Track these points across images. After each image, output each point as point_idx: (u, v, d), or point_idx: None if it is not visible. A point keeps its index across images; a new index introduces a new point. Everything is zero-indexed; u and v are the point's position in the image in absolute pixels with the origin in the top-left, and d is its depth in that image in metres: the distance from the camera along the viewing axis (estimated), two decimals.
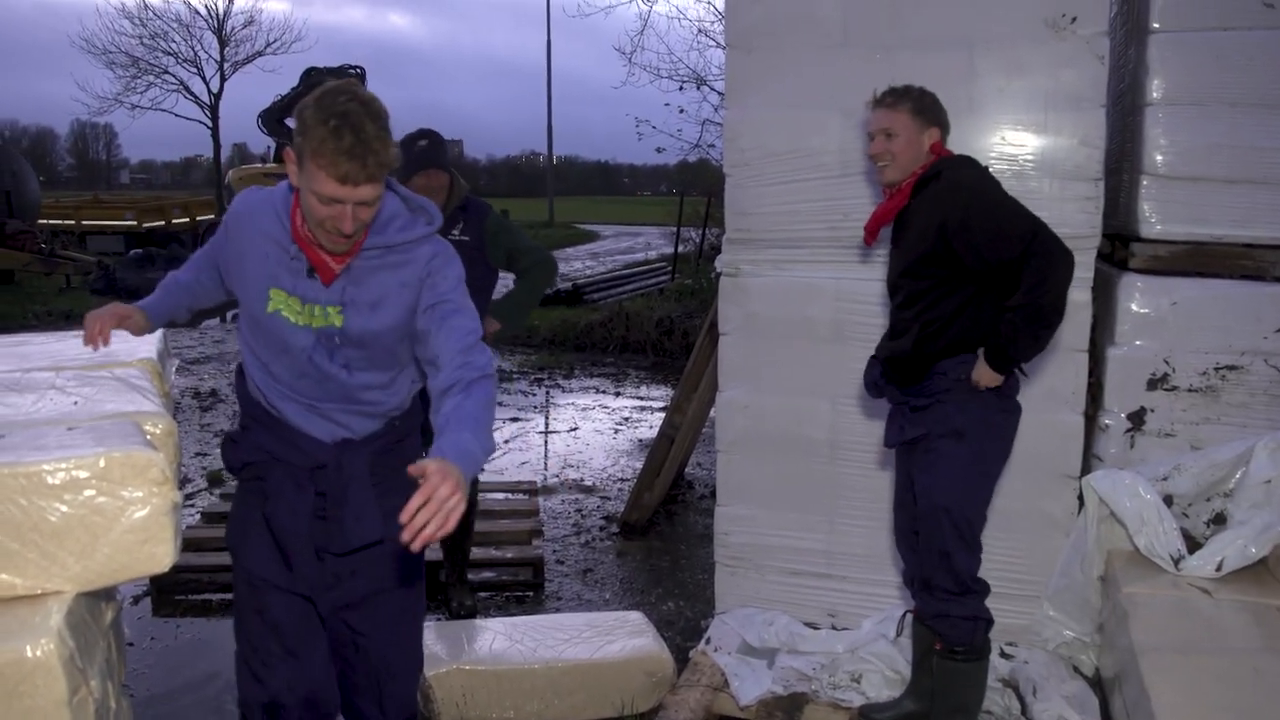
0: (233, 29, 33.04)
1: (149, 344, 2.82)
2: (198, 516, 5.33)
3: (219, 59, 33.08)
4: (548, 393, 9.23)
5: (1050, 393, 3.41)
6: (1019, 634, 3.52)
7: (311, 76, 15.46)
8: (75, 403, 2.32)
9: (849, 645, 3.49)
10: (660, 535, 5.32)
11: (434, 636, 3.39)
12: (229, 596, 3.55)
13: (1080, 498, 3.44)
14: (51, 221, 19.29)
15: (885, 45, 3.48)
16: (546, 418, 8.24)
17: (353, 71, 13.85)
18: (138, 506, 1.85)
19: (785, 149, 3.63)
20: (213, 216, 21.30)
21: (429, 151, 3.91)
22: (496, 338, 3.92)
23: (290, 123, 2.17)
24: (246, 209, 2.17)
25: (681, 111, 13.70)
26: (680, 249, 16.27)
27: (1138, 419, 3.55)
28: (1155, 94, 3.52)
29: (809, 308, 3.68)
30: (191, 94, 33.17)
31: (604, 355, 11.09)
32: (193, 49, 32.77)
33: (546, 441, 7.35)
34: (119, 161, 66.66)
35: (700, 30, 14.49)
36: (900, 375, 2.89)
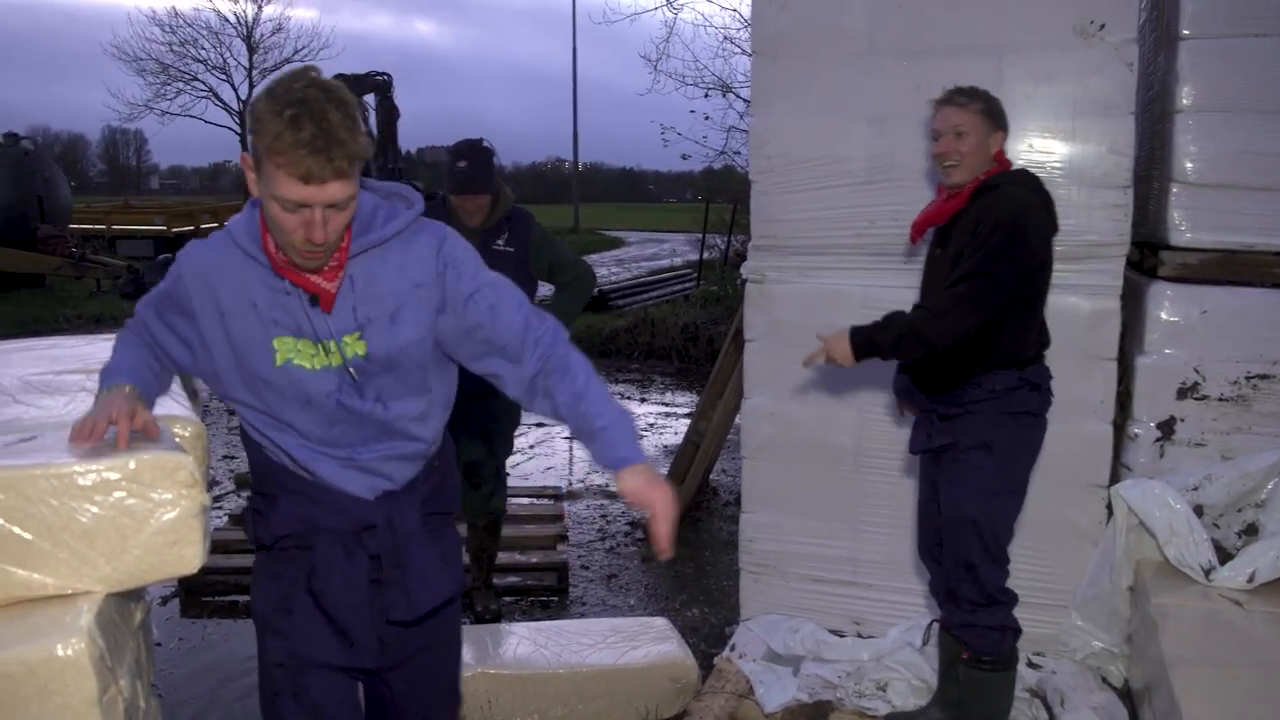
0: (261, 36, 33.66)
1: None
2: (225, 519, 5.38)
3: (248, 66, 33.62)
4: None
5: (1079, 401, 3.37)
6: (1046, 644, 3.49)
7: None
8: None
9: (875, 653, 3.48)
10: (685, 541, 5.30)
11: None
12: None
13: (1109, 507, 3.41)
14: (82, 226, 19.49)
15: (911, 52, 3.47)
16: None
17: (379, 78, 13.90)
18: (167, 509, 1.86)
19: (811, 156, 3.62)
20: None
21: (468, 174, 3.77)
22: None
23: None
24: (203, 270, 1.84)
25: (707, 118, 13.65)
26: (705, 256, 16.24)
27: (1167, 428, 3.51)
28: (1185, 101, 3.49)
29: (835, 314, 3.64)
30: (220, 100, 33.73)
31: (629, 361, 11.10)
32: (222, 56, 33.39)
33: (571, 447, 7.35)
34: (149, 167, 67.59)
35: (726, 37, 14.44)
36: (930, 382, 2.87)
